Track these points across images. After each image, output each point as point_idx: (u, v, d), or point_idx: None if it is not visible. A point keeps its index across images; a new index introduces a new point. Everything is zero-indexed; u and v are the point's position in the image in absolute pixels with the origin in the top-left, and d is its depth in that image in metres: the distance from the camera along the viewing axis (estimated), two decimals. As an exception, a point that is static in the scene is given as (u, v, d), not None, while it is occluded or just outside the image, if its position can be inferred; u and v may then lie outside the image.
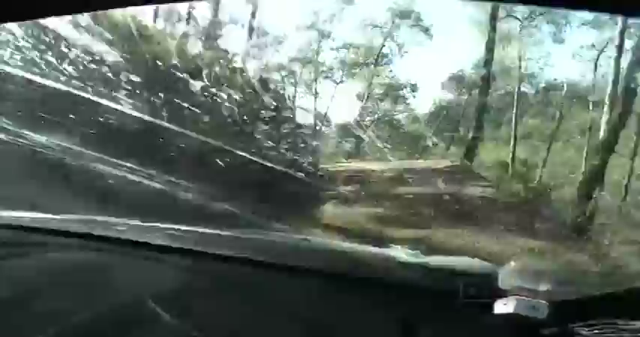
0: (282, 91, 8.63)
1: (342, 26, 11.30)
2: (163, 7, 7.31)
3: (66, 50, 4.30)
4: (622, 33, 7.85)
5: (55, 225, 1.20)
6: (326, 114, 10.20)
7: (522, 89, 10.08)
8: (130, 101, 4.34)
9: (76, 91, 3.73)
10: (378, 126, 10.65)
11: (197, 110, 4.94)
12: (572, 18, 8.60)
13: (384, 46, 10.43)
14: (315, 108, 10.21)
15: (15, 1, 0.52)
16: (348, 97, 10.78)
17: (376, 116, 10.94)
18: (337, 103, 10.39)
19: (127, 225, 1.27)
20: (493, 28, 8.88)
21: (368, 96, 10.54)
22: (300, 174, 4.88)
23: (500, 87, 10.13)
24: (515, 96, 9.74)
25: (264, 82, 6.81)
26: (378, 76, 10.70)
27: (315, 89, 10.61)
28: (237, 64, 7.15)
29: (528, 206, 6.67)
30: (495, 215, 6.04)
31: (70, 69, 4.18)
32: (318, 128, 9.63)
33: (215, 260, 1.00)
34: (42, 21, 3.56)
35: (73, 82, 4.02)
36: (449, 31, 14.87)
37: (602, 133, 7.72)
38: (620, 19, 6.90)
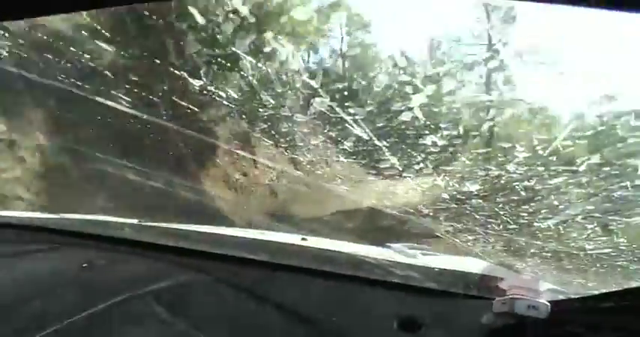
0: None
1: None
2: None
3: (64, 48, 4.27)
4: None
5: (56, 225, 1.20)
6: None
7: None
8: (129, 100, 4.33)
9: (74, 90, 3.72)
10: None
11: (196, 109, 4.92)
12: None
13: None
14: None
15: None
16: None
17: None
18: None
19: (127, 225, 1.27)
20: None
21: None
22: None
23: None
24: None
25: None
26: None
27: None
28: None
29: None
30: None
31: (68, 67, 4.16)
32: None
33: (215, 260, 1.00)
34: (40, 19, 3.54)
35: (72, 80, 4.00)
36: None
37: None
38: None
